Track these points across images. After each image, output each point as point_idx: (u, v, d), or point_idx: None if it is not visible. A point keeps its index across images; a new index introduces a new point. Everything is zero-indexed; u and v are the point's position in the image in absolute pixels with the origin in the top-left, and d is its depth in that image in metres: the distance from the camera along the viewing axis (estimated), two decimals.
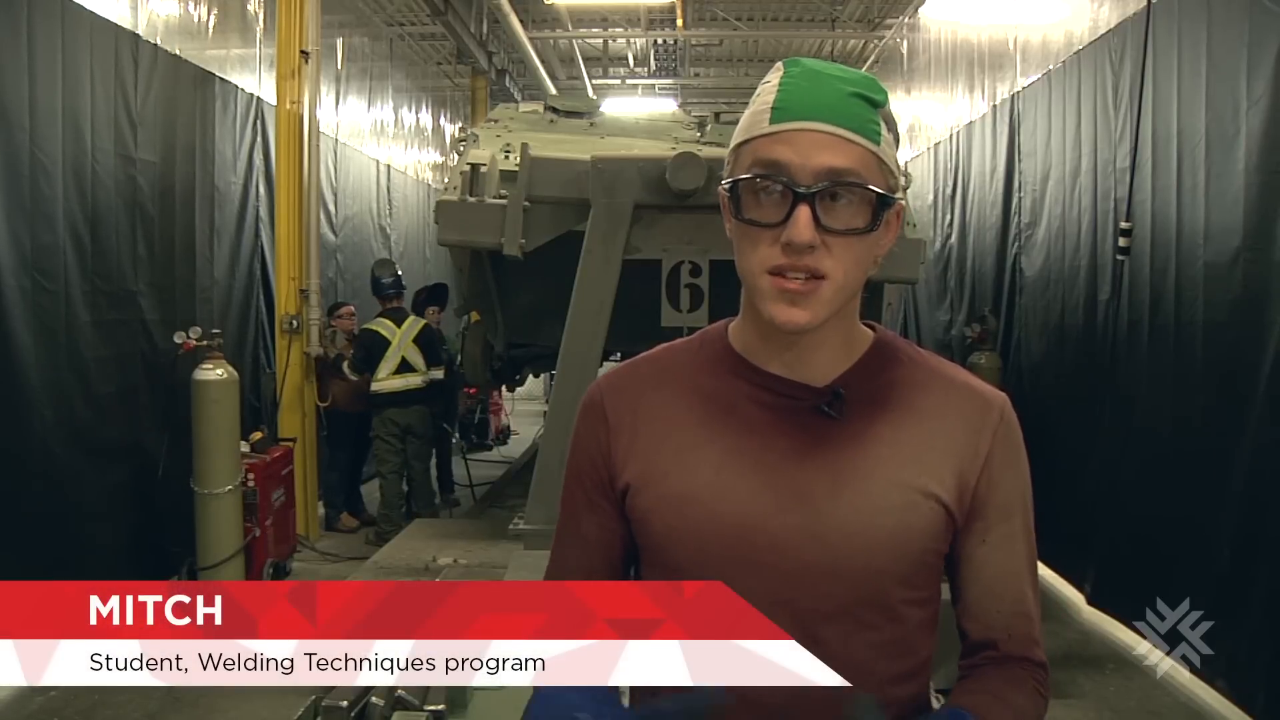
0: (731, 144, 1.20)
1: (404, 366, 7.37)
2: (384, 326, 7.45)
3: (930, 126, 9.59)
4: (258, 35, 7.55)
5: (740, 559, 1.18)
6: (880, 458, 1.19)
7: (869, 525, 1.17)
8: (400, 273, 7.91)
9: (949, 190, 8.68)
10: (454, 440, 8.81)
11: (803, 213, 1.10)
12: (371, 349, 7.36)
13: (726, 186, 1.18)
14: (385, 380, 7.33)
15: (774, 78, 1.18)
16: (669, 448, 1.24)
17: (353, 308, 8.04)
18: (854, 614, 1.18)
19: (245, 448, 5.93)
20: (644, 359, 1.33)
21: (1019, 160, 7.00)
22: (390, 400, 7.36)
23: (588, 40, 14.34)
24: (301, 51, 7.40)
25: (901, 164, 1.23)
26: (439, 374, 7.60)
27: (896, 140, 1.19)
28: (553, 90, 13.10)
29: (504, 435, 11.66)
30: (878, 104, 1.15)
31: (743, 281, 1.21)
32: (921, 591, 1.22)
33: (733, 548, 1.18)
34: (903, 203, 1.22)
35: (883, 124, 1.15)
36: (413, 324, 7.52)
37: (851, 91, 1.14)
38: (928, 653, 1.26)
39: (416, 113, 12.45)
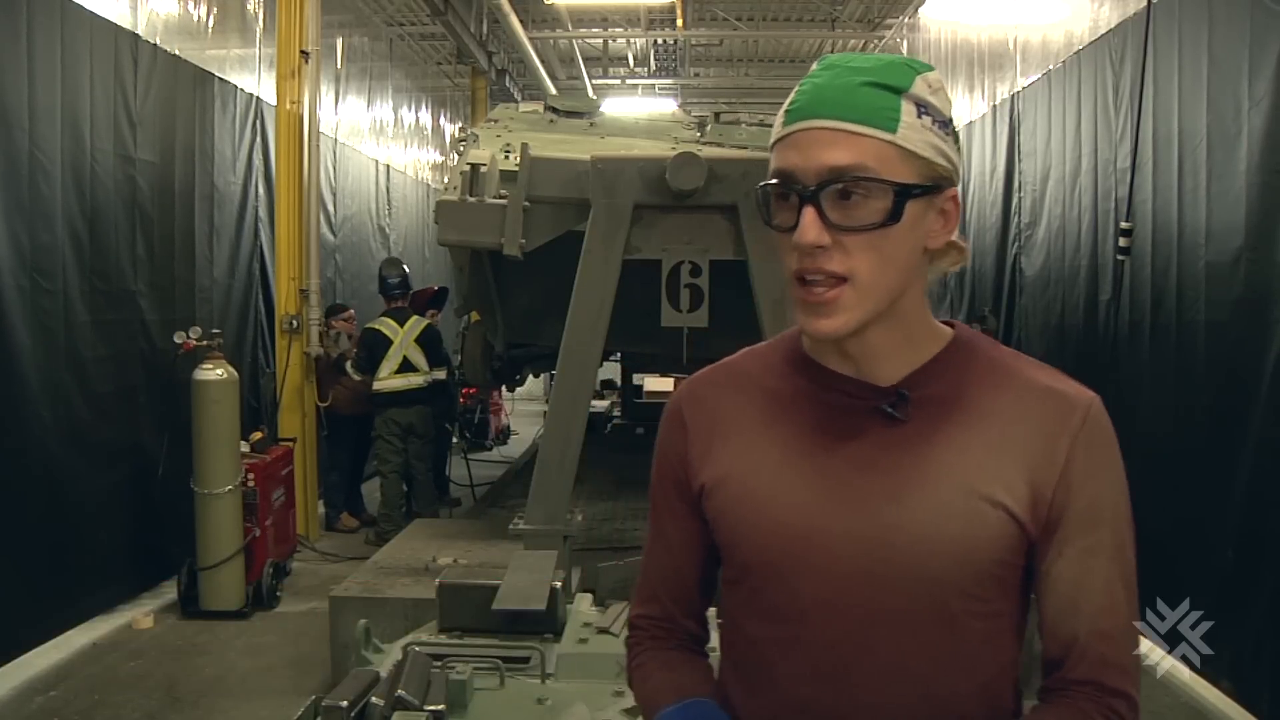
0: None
1: (406, 366, 7.36)
2: (386, 326, 7.44)
3: None
4: (257, 35, 7.55)
5: (797, 561, 1.17)
6: (945, 462, 1.14)
7: (929, 532, 1.13)
8: (407, 270, 7.90)
9: None
10: (454, 440, 8.81)
11: (806, 214, 1.09)
12: (374, 348, 7.35)
13: (759, 193, 1.16)
14: (387, 380, 7.33)
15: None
16: (735, 450, 1.24)
17: (352, 310, 8.04)
18: (911, 624, 1.14)
19: (245, 448, 5.92)
20: (724, 363, 1.34)
21: (1019, 160, 7.00)
22: (392, 400, 7.35)
23: (588, 40, 14.33)
24: (301, 51, 7.40)
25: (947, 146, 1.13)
26: (441, 374, 7.59)
27: (941, 121, 1.12)
28: (553, 90, 13.09)
29: (504, 435, 11.65)
30: (898, 89, 1.09)
31: None
32: (988, 604, 1.15)
33: (789, 550, 1.18)
34: (954, 190, 1.14)
35: (910, 109, 1.09)
36: (415, 324, 7.50)
37: (863, 81, 1.09)
38: (999, 669, 1.18)
39: (416, 113, 12.45)
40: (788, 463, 1.19)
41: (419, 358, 7.40)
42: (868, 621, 1.15)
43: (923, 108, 1.10)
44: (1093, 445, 1.15)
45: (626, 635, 1.40)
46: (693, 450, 1.27)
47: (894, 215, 1.09)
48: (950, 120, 1.14)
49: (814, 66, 1.16)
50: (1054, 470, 1.13)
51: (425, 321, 7.61)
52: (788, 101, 1.13)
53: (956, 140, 1.15)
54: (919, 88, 1.11)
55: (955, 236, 1.18)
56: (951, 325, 1.24)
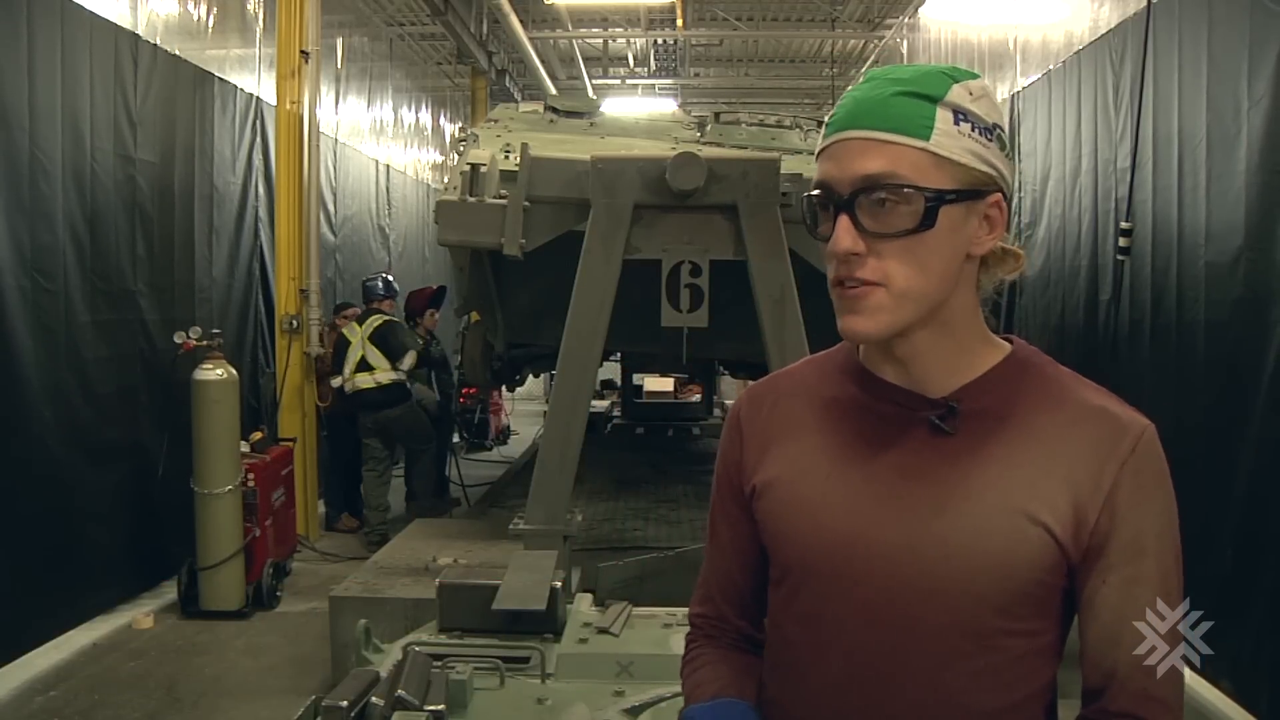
0: None
1: (364, 365, 7.33)
2: (349, 329, 7.45)
3: None
4: (257, 35, 7.55)
5: (838, 569, 1.18)
6: (989, 477, 1.14)
7: (969, 547, 1.13)
8: (390, 278, 7.91)
9: None
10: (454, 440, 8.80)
11: (840, 222, 1.12)
12: (339, 350, 7.38)
13: (804, 204, 1.19)
14: (349, 379, 7.31)
15: None
16: (787, 455, 1.26)
17: (358, 310, 8.04)
18: (946, 637, 1.14)
19: (245, 448, 5.93)
20: (784, 371, 1.37)
21: (1019, 160, 7.00)
22: (357, 401, 7.34)
23: (588, 40, 14.33)
24: (301, 51, 7.40)
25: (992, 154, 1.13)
26: (405, 367, 7.44)
27: (983, 128, 1.13)
28: (553, 90, 13.09)
29: (504, 435, 11.65)
30: (933, 98, 1.11)
31: None
32: (1026, 623, 1.15)
33: (831, 558, 1.19)
34: (997, 195, 1.14)
35: (946, 116, 1.11)
36: (370, 322, 7.43)
37: (897, 91, 1.11)
38: (1036, 689, 1.17)
39: (416, 113, 12.45)
40: (835, 470, 1.21)
41: (376, 355, 7.34)
42: (904, 632, 1.15)
43: (960, 114, 1.12)
44: (1141, 474, 1.15)
45: (685, 632, 1.44)
46: (747, 455, 1.31)
47: (927, 221, 1.10)
48: (995, 126, 1.15)
49: (859, 80, 1.19)
50: (1099, 495, 1.13)
51: (382, 319, 7.49)
52: (829, 114, 1.17)
53: (1003, 146, 1.15)
54: (956, 95, 1.12)
55: (1009, 243, 1.19)
56: (1010, 340, 1.25)
